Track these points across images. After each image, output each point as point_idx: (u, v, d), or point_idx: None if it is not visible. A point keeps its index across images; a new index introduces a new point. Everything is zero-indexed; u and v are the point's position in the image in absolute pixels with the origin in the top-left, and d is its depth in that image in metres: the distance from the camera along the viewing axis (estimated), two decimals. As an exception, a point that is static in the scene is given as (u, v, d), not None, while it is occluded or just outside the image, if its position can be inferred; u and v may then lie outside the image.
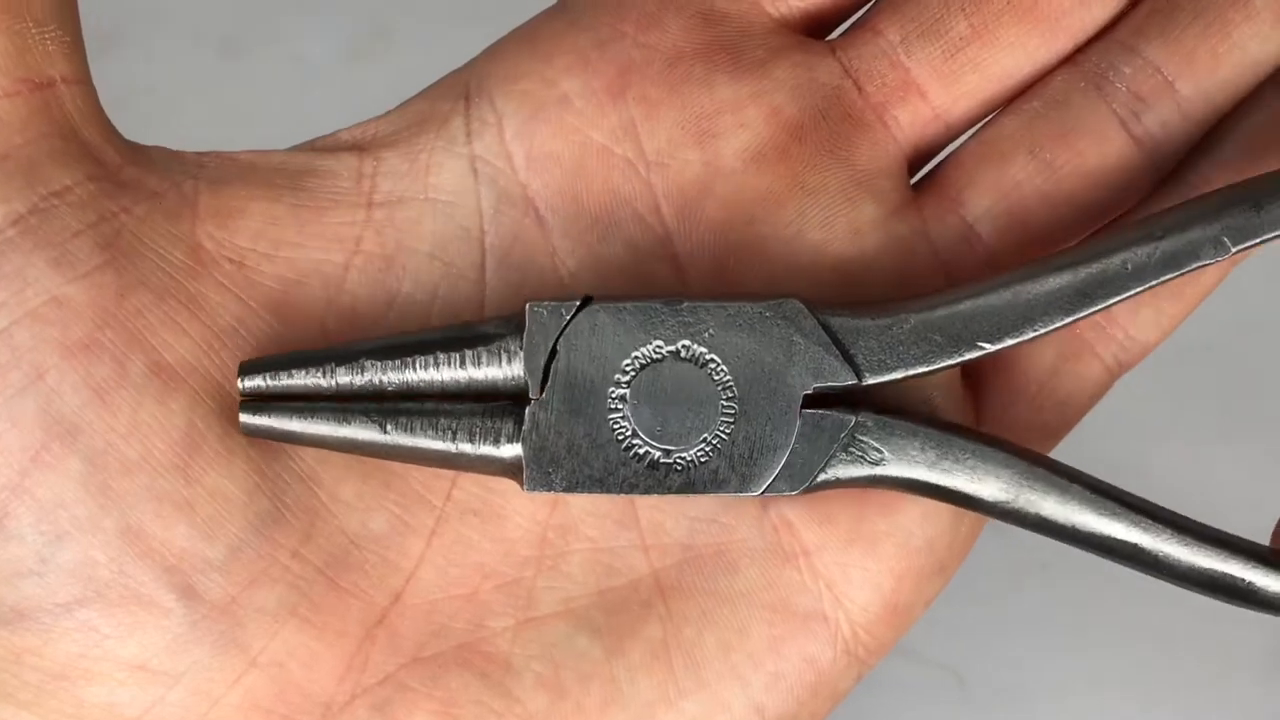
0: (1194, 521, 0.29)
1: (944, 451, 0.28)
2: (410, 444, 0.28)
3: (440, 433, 0.28)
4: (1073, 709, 0.52)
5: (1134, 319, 0.33)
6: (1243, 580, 0.29)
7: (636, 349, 0.28)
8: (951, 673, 0.53)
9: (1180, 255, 0.28)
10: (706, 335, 0.28)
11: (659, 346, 0.28)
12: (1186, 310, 0.33)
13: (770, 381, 0.28)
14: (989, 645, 0.53)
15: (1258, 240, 0.28)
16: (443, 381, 0.28)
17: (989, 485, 0.29)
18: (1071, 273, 0.28)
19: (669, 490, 0.28)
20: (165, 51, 0.72)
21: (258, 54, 0.72)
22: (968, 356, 0.29)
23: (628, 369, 0.28)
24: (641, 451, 0.28)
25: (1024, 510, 0.29)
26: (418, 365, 0.28)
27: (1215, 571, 0.29)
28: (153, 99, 0.70)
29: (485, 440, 0.28)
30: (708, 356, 0.28)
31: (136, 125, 0.71)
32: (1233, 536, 0.29)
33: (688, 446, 0.28)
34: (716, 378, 0.28)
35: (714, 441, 0.28)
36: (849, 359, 0.28)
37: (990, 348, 0.29)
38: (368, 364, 0.29)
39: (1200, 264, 0.28)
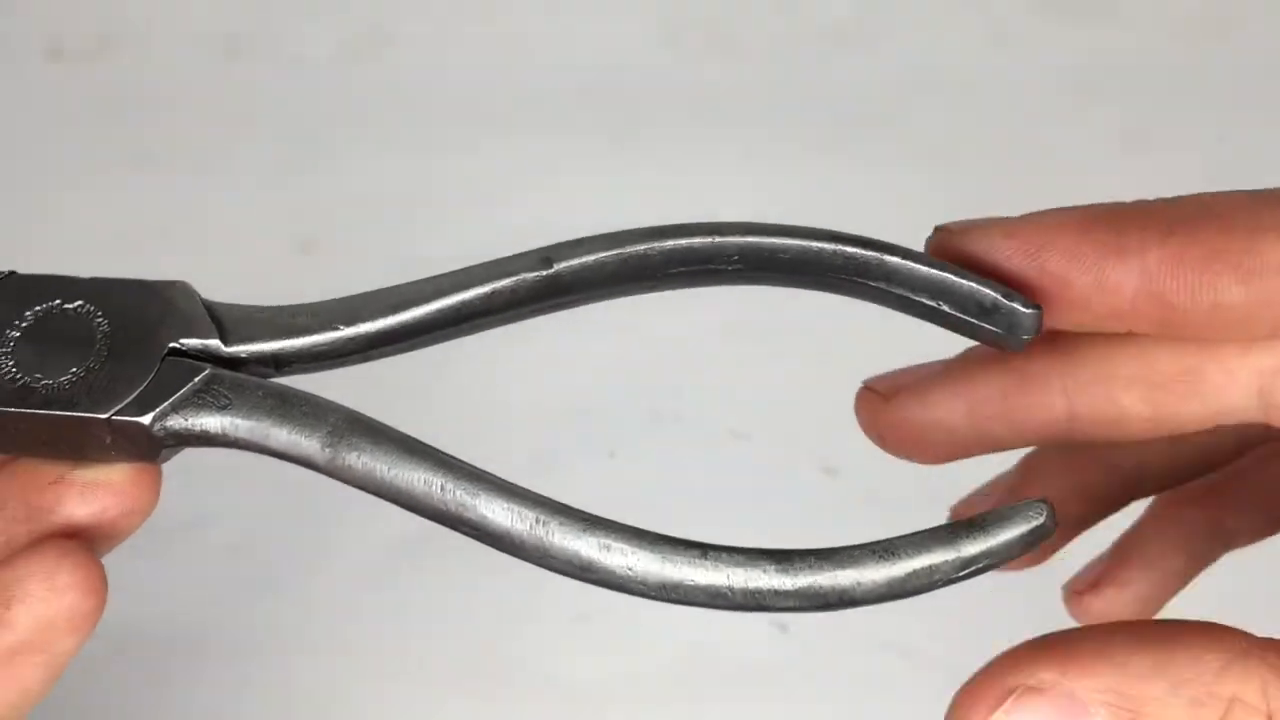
0: (502, 480, 0.31)
1: (282, 403, 0.33)
2: None
3: None
4: (1073, 709, 0.52)
5: None
6: (530, 531, 0.31)
7: (40, 304, 0.34)
8: (951, 673, 0.53)
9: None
10: (99, 295, 0.34)
11: (58, 303, 0.34)
12: None
13: (144, 334, 0.34)
14: (989, 645, 0.53)
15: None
16: None
17: (314, 435, 0.32)
18: None
19: (31, 407, 0.33)
20: (165, 51, 0.72)
21: (258, 54, 0.72)
22: (329, 336, 0.33)
23: (28, 317, 0.34)
24: (16, 378, 0.34)
25: (340, 465, 0.32)
26: None
27: (506, 527, 0.31)
28: (153, 99, 0.70)
29: None
30: (97, 312, 0.34)
31: (136, 125, 0.71)
32: (525, 491, 0.31)
33: (57, 377, 0.33)
34: (99, 328, 0.34)
35: (81, 374, 0.33)
36: (218, 323, 0.34)
37: (346, 330, 0.33)
38: None
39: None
